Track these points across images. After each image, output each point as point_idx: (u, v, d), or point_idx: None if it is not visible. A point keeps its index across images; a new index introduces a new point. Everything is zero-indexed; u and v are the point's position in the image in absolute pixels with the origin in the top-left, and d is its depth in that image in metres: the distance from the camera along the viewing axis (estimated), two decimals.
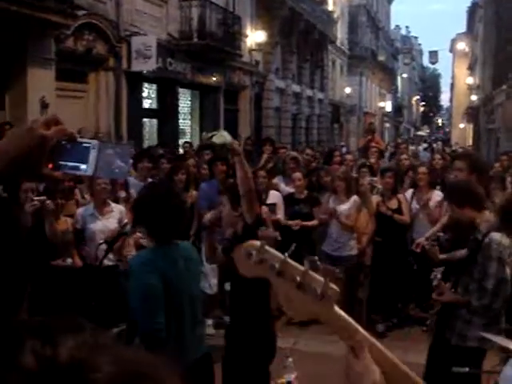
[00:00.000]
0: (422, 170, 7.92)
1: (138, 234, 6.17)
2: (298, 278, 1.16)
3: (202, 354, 3.56)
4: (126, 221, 5.55)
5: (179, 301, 3.36)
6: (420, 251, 5.93)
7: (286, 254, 1.18)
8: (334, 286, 1.20)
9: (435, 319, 4.74)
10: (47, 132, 1.20)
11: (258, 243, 1.19)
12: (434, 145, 26.61)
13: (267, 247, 1.18)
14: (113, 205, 6.27)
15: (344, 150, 19.99)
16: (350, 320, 1.21)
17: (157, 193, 3.57)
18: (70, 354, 0.59)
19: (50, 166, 1.25)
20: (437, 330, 4.70)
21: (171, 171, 7.78)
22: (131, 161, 6.76)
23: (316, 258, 4.83)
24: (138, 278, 3.32)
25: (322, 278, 1.19)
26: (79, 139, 1.27)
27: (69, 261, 5.85)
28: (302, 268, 1.16)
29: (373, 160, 10.16)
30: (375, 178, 8.07)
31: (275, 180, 8.56)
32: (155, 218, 3.37)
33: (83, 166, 1.26)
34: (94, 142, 1.29)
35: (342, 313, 1.22)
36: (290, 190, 8.15)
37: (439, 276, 4.50)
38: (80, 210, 6.30)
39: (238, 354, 4.27)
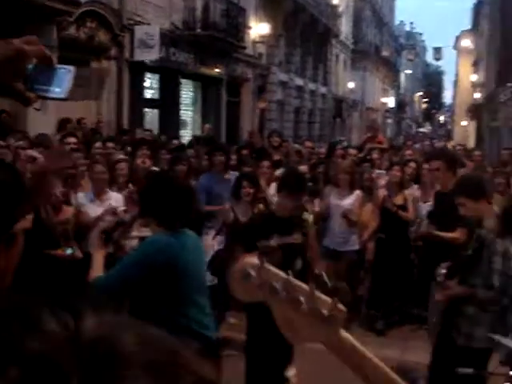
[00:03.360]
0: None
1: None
2: (303, 299, 1.06)
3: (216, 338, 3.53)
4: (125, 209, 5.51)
5: (197, 286, 3.34)
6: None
7: (290, 273, 1.07)
8: (341, 306, 1.10)
9: (440, 318, 4.63)
10: (26, 47, 1.20)
11: (256, 261, 1.07)
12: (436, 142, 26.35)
13: (267, 265, 1.07)
14: (110, 193, 6.24)
15: (344, 144, 19.87)
16: (358, 344, 1.12)
17: (162, 180, 3.50)
18: (93, 328, 0.52)
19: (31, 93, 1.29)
20: (441, 330, 4.59)
21: (172, 161, 7.68)
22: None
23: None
24: (140, 251, 3.36)
25: (328, 299, 1.10)
26: (56, 65, 1.31)
27: (68, 251, 5.72)
28: (306, 288, 1.06)
29: (375, 155, 10.01)
30: (382, 171, 7.88)
31: (278, 172, 8.45)
32: (163, 204, 3.30)
33: (58, 89, 1.30)
34: (70, 67, 1.34)
35: (349, 336, 1.13)
36: None
37: (444, 271, 4.39)
38: (80, 195, 6.25)
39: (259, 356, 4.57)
